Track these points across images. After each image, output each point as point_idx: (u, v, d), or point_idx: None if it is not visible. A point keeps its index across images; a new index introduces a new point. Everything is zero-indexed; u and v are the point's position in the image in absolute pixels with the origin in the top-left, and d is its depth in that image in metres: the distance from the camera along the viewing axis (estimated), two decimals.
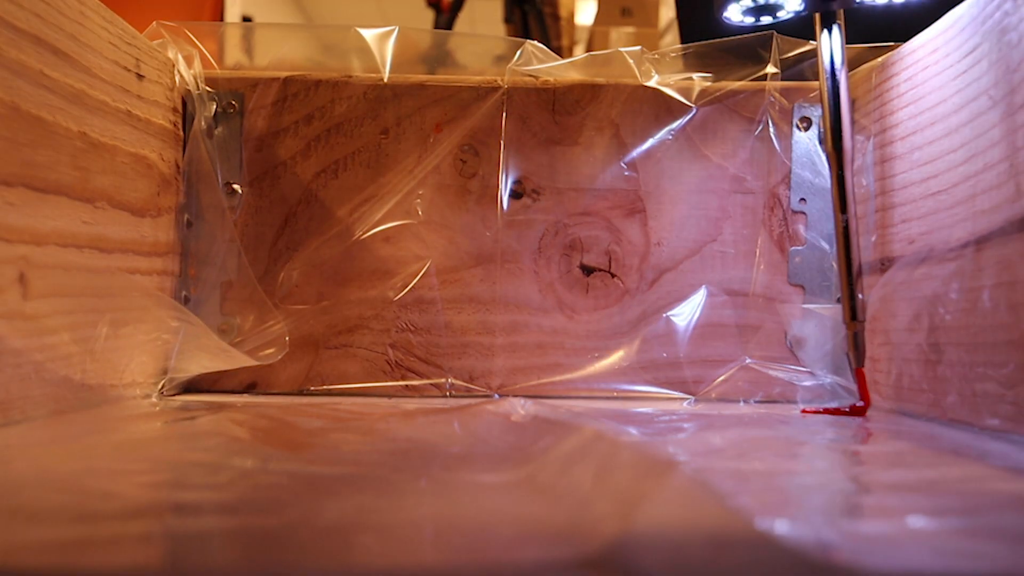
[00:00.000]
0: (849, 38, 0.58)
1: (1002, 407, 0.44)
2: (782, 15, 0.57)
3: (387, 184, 0.64)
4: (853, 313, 0.56)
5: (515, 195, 0.65)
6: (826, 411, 0.57)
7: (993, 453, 0.40)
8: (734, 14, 0.56)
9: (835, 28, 0.56)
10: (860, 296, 0.56)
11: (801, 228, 0.65)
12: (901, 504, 0.30)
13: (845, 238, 0.56)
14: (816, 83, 0.64)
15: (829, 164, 0.56)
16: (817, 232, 0.64)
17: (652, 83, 0.64)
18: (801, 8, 0.56)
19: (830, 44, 0.56)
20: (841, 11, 0.57)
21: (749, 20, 0.57)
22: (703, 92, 0.64)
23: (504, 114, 0.64)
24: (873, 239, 0.60)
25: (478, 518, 0.26)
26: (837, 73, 0.56)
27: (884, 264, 0.58)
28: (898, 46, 0.58)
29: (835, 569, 0.21)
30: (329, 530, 0.24)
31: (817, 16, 0.57)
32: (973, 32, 0.48)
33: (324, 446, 0.40)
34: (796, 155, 0.64)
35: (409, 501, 0.28)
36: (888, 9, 0.56)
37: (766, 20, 0.58)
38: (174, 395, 0.59)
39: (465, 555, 0.23)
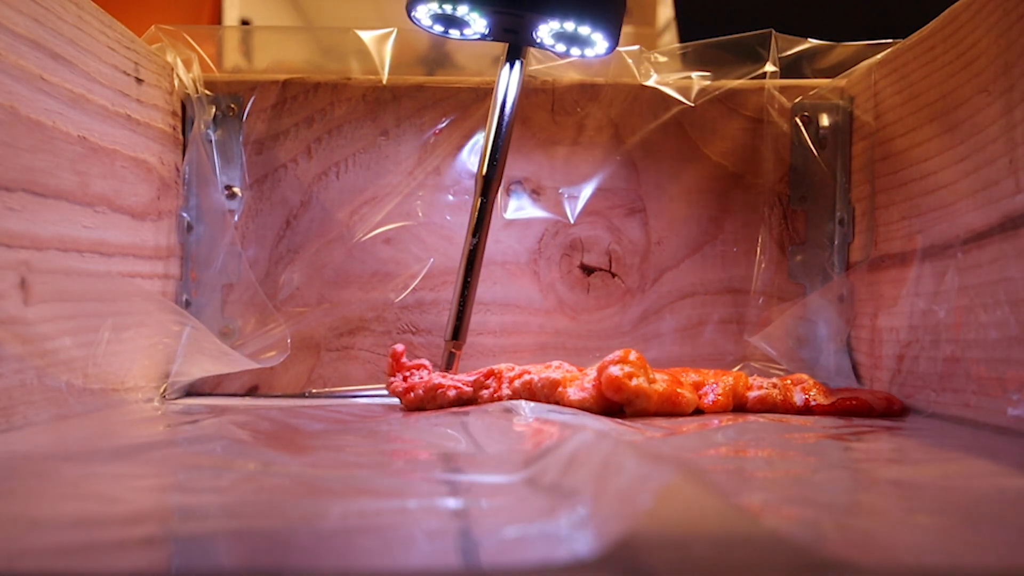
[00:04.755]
0: (846, 35, 0.58)
1: (1004, 402, 0.44)
2: (469, 33, 0.56)
3: (387, 186, 0.64)
4: (455, 333, 0.57)
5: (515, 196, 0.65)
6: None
7: (995, 448, 0.40)
8: (423, 16, 0.55)
9: (518, 63, 0.57)
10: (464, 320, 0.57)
11: (801, 226, 0.65)
12: (906, 500, 0.30)
13: (469, 262, 0.57)
14: (815, 81, 0.64)
15: (475, 189, 0.57)
16: (818, 230, 0.64)
17: (651, 82, 0.64)
18: (486, 33, 0.56)
19: (508, 77, 0.56)
20: (527, 48, 0.57)
21: (438, 29, 0.56)
22: (702, 91, 0.64)
23: None
24: (874, 237, 0.60)
25: (481, 519, 0.26)
26: (507, 106, 0.56)
27: (884, 261, 0.58)
28: (896, 42, 0.58)
29: (840, 566, 0.21)
30: (332, 533, 0.24)
31: (505, 47, 0.57)
32: (972, 28, 0.48)
33: (326, 448, 0.40)
34: (795, 153, 0.64)
35: (412, 503, 0.28)
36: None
37: (455, 34, 0.57)
38: (176, 399, 0.59)
39: (468, 556, 0.23)
